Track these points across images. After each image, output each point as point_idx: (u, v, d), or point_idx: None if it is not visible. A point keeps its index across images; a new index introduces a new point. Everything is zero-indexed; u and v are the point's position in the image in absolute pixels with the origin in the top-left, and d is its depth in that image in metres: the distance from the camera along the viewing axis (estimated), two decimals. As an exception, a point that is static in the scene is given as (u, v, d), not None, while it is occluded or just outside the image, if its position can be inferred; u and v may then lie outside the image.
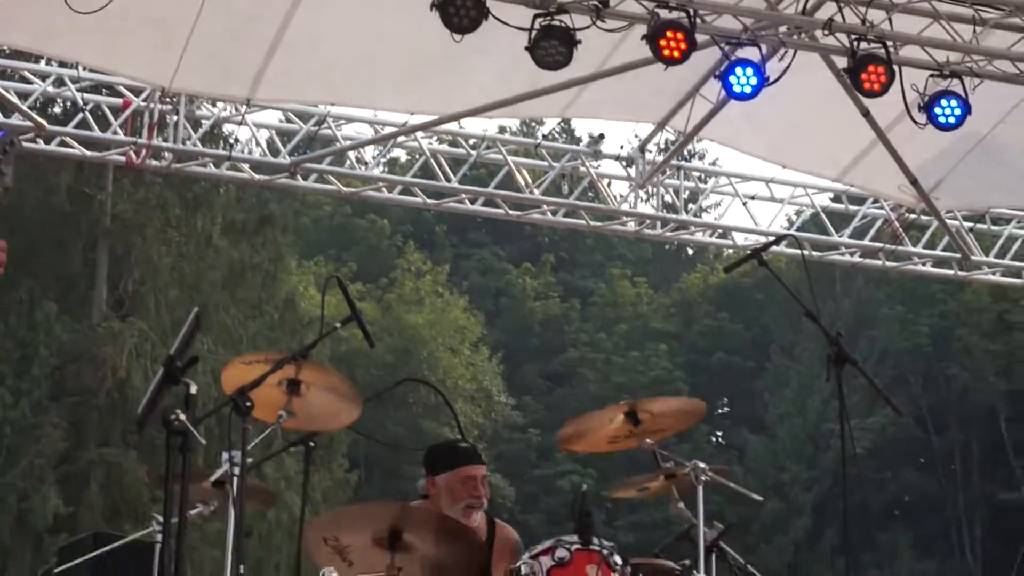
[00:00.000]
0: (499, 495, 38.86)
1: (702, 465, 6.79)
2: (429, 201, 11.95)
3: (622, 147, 12.19)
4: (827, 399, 40.04)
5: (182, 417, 5.04)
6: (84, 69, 10.76)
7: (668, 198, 12.30)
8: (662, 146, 12.33)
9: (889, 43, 8.73)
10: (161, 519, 6.22)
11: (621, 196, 12.24)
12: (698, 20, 8.66)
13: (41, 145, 11.08)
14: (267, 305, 32.09)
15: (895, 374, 45.49)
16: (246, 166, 11.48)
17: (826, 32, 8.92)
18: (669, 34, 8.65)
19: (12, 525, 27.19)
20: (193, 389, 5.17)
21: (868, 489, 42.73)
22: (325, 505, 27.88)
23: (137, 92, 10.91)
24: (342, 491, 31.82)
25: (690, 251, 54.69)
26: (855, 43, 8.74)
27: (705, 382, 50.19)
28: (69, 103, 11.17)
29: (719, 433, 51.14)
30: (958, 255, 12.54)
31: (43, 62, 11.16)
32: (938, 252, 12.68)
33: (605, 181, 12.13)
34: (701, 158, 43.97)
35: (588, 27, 8.57)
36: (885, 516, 44.61)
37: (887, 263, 12.91)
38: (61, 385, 28.92)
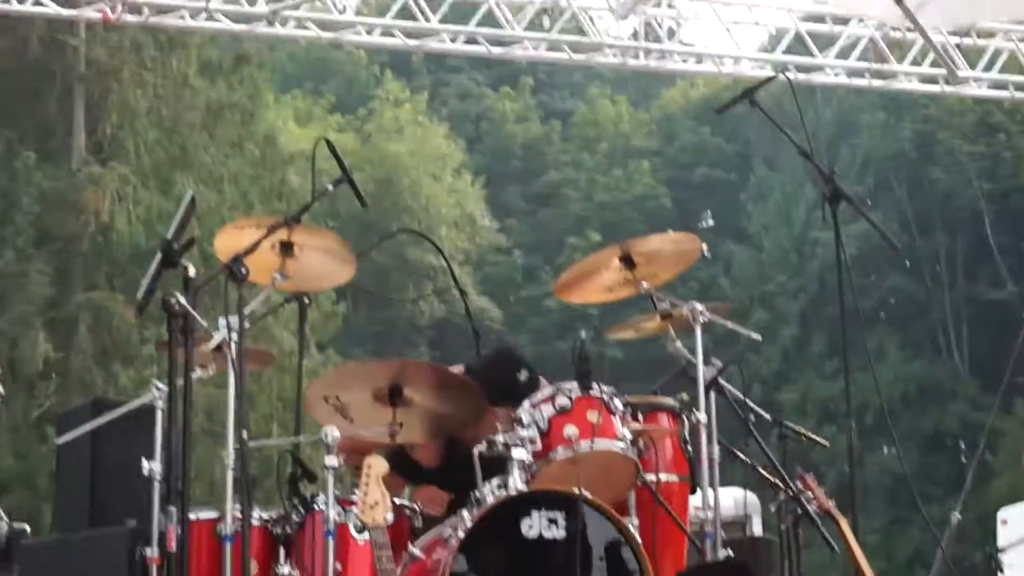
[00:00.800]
0: (487, 317, 39.19)
1: (699, 306, 6.79)
2: (410, 42, 11.87)
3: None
4: (811, 207, 40.09)
5: (182, 300, 5.02)
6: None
7: (649, 24, 12.27)
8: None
9: None
10: (160, 386, 6.22)
11: (602, 28, 12.19)
12: None
13: (14, 5, 10.94)
14: (247, 143, 32.01)
15: (878, 180, 45.61)
16: (224, 16, 11.38)
17: None
18: None
19: (4, 372, 27.27)
20: (191, 272, 5.16)
21: (855, 294, 42.87)
22: (314, 337, 28.07)
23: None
24: (331, 323, 32.00)
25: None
26: None
27: (688, 197, 50.36)
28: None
29: (704, 245, 51.13)
30: (944, 71, 12.53)
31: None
32: (924, 69, 12.67)
33: (585, 13, 12.05)
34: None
35: None
36: (872, 319, 44.87)
37: (873, 82, 12.90)
38: (45, 232, 28.94)
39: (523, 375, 6.78)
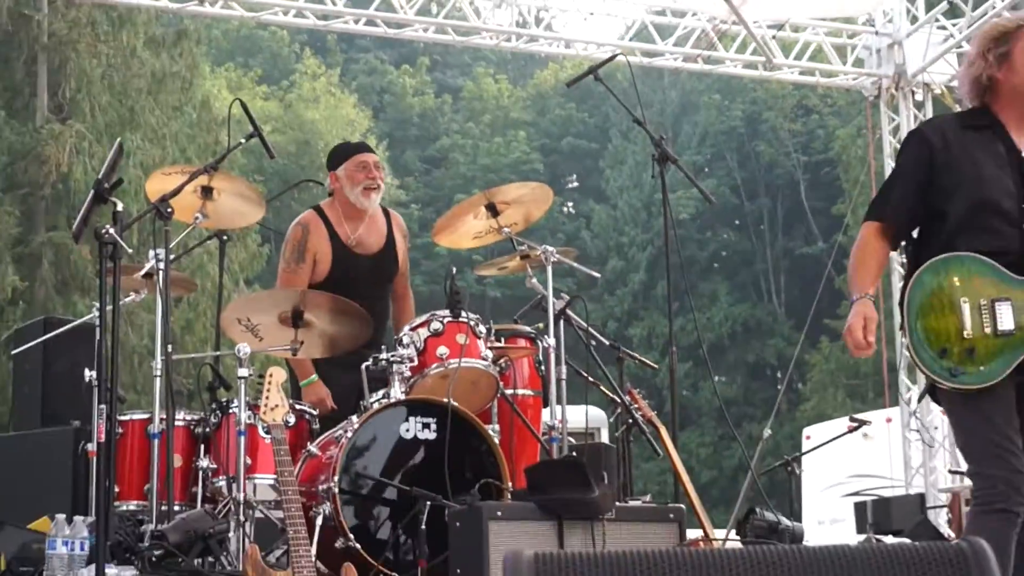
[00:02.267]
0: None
1: (550, 248, 6.83)
2: (319, 23, 11.80)
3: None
4: (656, 173, 40.28)
5: (111, 231, 5.01)
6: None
7: (522, 14, 12.28)
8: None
9: None
10: (98, 306, 6.20)
11: (482, 12, 12.16)
12: None
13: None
14: (186, 107, 31.77)
15: (714, 151, 46.00)
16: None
17: None
18: None
19: (-25, 299, 27.11)
20: (119, 207, 5.14)
21: (692, 247, 43.46)
22: (243, 274, 27.94)
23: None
24: (256, 262, 31.87)
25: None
26: None
27: (557, 162, 50.47)
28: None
29: (570, 204, 51.26)
30: (763, 58, 12.60)
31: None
32: (746, 56, 12.71)
33: (469, 1, 12.03)
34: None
35: None
36: (707, 269, 45.30)
37: (704, 65, 12.94)
38: (12, 179, 28.58)
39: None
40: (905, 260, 5.39)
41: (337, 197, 7.42)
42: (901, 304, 4.99)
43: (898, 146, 12.91)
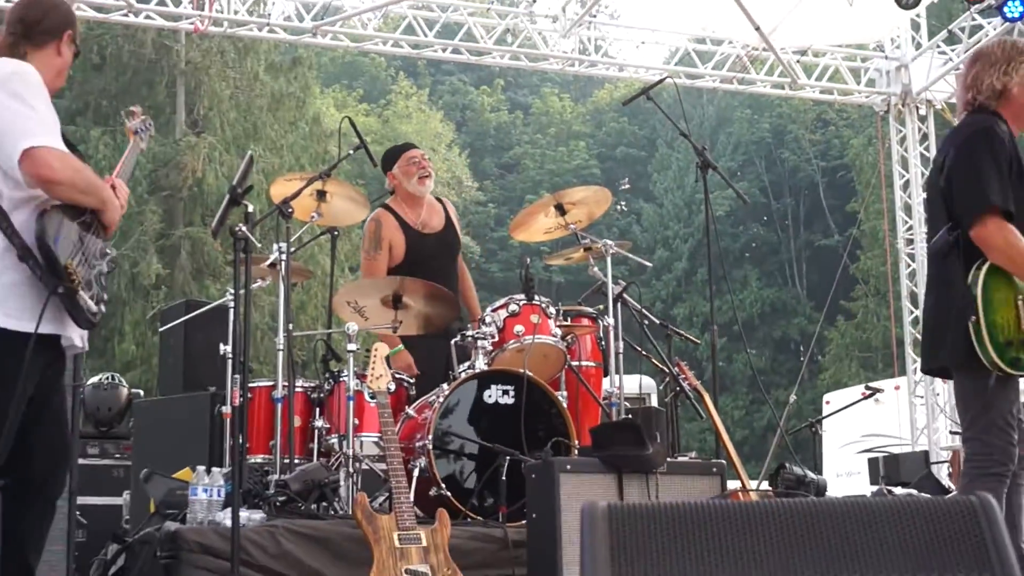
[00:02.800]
0: (468, 251, 39.35)
1: (609, 242, 6.81)
2: (411, 51, 11.79)
3: (550, 8, 12.12)
4: (699, 177, 40.25)
5: (244, 229, 5.03)
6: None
7: (582, 41, 12.25)
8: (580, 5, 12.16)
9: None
10: (231, 292, 6.26)
11: (549, 41, 12.11)
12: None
13: (131, 18, 10.89)
14: (300, 122, 31.96)
15: (745, 158, 45.69)
16: (280, 29, 11.33)
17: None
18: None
19: (127, 283, 27.42)
20: (250, 209, 5.16)
21: (727, 239, 43.26)
22: (347, 263, 28.06)
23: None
24: (359, 254, 32.04)
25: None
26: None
27: (612, 167, 50.26)
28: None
29: (623, 203, 50.95)
30: (788, 79, 12.51)
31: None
32: (774, 78, 12.60)
33: (538, 33, 12.00)
34: (609, 15, 43.34)
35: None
36: (739, 258, 45.05)
37: (738, 86, 12.84)
38: (156, 184, 28.96)
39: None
40: (928, 249, 5.28)
41: (398, 192, 7.47)
42: (972, 296, 4.87)
43: (904, 154, 12.82)
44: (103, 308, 4.23)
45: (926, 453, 11.48)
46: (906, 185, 12.80)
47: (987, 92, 5.12)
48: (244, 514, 5.15)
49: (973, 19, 12.22)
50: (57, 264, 3.94)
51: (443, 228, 7.59)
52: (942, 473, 10.47)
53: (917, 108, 12.80)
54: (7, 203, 4.00)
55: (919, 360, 12.24)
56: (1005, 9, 10.15)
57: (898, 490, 9.57)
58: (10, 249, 3.96)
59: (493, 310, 6.58)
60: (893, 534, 2.17)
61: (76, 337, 4.24)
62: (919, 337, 12.37)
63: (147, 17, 10.88)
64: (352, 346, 6.27)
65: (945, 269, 5.05)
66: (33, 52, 4.27)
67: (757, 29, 11.17)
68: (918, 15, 12.25)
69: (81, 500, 6.26)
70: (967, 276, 4.90)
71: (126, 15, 10.84)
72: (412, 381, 6.58)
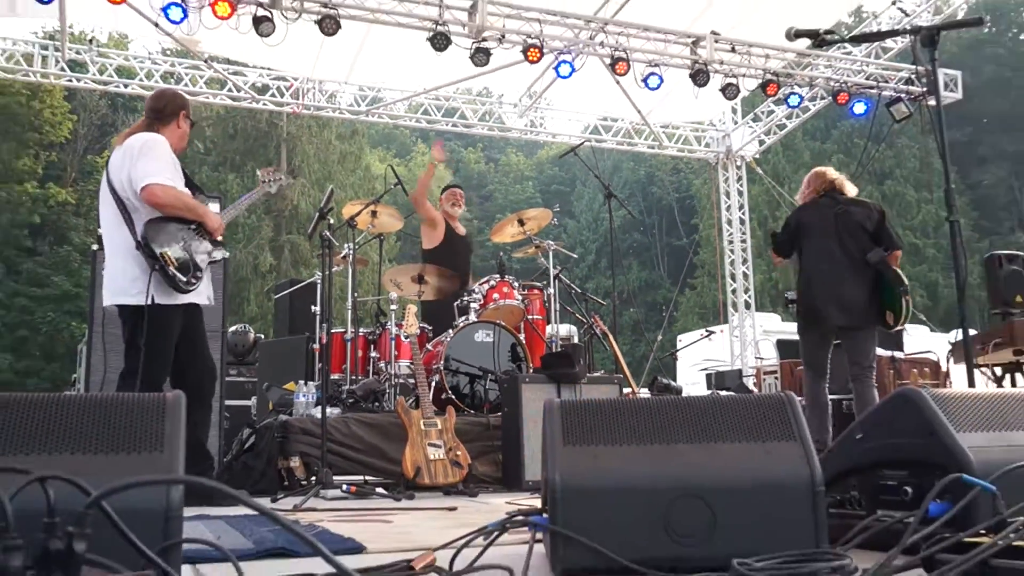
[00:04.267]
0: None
1: (550, 242, 6.81)
2: (427, 125, 11.58)
3: (511, 99, 12.02)
4: (605, 202, 40.49)
5: (327, 234, 5.00)
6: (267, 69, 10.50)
7: (532, 120, 12.15)
8: (529, 97, 12.02)
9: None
10: (318, 273, 6.22)
11: (508, 120, 12.00)
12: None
13: (254, 105, 10.75)
14: (357, 169, 31.80)
15: (630, 192, 45.64)
16: (345, 112, 11.15)
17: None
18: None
19: (251, 270, 27.28)
20: (330, 222, 5.13)
21: (618, 242, 43.20)
22: (388, 255, 27.91)
23: (296, 78, 10.58)
24: (395, 249, 31.96)
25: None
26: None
27: (549, 198, 49.71)
28: (264, 83, 10.72)
29: (555, 219, 50.00)
30: (657, 143, 12.43)
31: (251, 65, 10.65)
32: (648, 141, 12.50)
33: (504, 114, 11.93)
34: (547, 103, 43.32)
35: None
36: (627, 253, 44.98)
37: (627, 148, 12.73)
38: (269, 207, 28.77)
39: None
40: (869, 257, 5.33)
41: (442, 208, 7.41)
42: (902, 287, 5.22)
43: (727, 189, 12.80)
44: (199, 277, 4.24)
45: (740, 371, 11.55)
46: (728, 208, 12.82)
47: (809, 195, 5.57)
48: (329, 411, 5.14)
49: (769, 108, 12.26)
50: (154, 252, 4.07)
51: (465, 235, 7.54)
52: (749, 383, 10.51)
53: (734, 161, 12.80)
54: (135, 216, 4.16)
55: (736, 314, 12.35)
56: (855, 108, 9.59)
57: (723, 393, 9.62)
58: (132, 243, 4.12)
59: (479, 284, 6.54)
60: (710, 418, 2.14)
61: (203, 298, 4.32)
62: (736, 301, 12.48)
63: (264, 104, 10.76)
64: (394, 306, 6.27)
65: (875, 270, 5.19)
66: (161, 127, 4.39)
67: (639, 112, 11.13)
68: (735, 104, 12.25)
69: (227, 403, 6.23)
70: (891, 274, 5.14)
71: (251, 103, 10.71)
72: (431, 328, 6.55)
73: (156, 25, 8.06)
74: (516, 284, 6.59)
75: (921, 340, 10.69)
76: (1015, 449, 2.09)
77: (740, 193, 12.81)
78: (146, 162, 4.13)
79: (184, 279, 4.13)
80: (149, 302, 3.99)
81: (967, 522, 1.83)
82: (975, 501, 1.87)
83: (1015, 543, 1.63)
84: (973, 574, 1.64)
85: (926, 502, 1.91)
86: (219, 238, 4.40)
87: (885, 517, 2.12)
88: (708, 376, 11.64)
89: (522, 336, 6.39)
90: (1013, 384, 6.37)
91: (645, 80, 8.88)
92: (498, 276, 6.55)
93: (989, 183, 36.43)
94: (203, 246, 4.29)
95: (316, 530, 2.95)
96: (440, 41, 7.80)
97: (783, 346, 9.35)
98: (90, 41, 11.42)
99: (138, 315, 4.04)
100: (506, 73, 9.44)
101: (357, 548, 2.48)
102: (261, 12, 7.39)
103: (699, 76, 8.63)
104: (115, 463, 1.62)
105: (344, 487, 4.62)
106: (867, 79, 9.83)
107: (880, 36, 3.51)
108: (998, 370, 6.51)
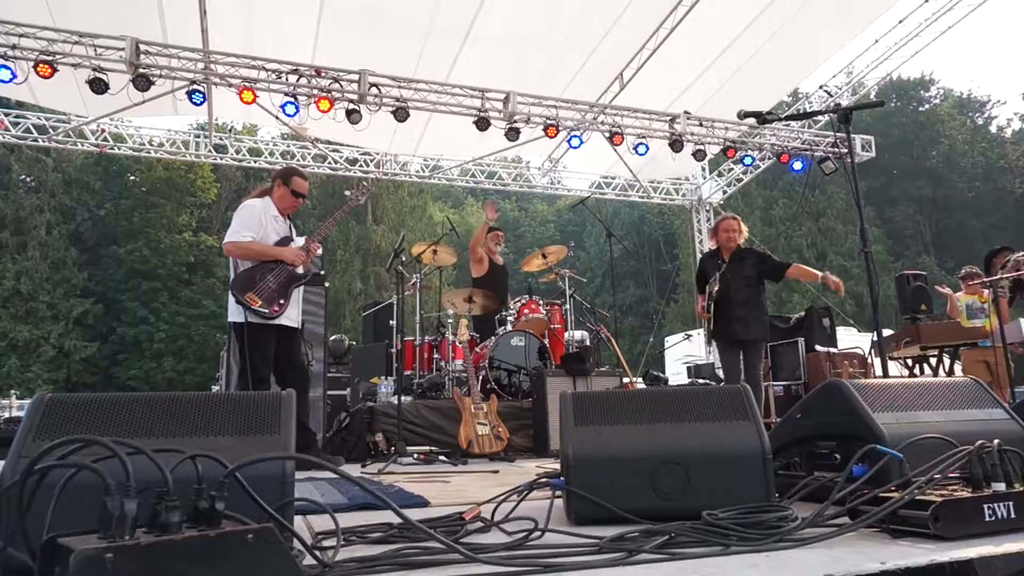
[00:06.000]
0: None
1: (566, 270, 6.78)
2: (475, 184, 11.69)
3: (537, 163, 12.03)
4: (607, 240, 40.23)
5: (401, 268, 5.02)
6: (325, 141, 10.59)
7: (552, 179, 12.13)
8: (550, 162, 11.97)
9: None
10: (395, 296, 6.22)
11: (535, 179, 11.97)
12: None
13: (347, 173, 10.84)
14: (422, 219, 32.04)
15: (627, 231, 45.27)
16: (414, 175, 11.23)
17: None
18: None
19: (345, 294, 27.32)
20: (404, 258, 5.14)
21: (618, 268, 42.66)
22: (445, 281, 27.92)
23: (377, 153, 10.68)
24: (450, 276, 31.99)
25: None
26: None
27: (564, 237, 49.57)
28: (354, 157, 10.83)
29: (571, 253, 50.05)
30: (646, 193, 12.34)
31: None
32: (638, 193, 12.43)
33: (531, 175, 11.91)
34: (563, 166, 43.27)
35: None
36: (625, 277, 44.56)
37: (623, 198, 12.63)
38: (359, 248, 28.97)
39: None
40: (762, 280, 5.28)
41: (487, 245, 7.24)
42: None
43: (699, 227, 12.66)
44: (283, 304, 4.14)
45: (712, 363, 11.39)
46: (701, 242, 12.68)
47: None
48: (403, 398, 5.15)
49: (729, 166, 12.14)
50: (239, 298, 4.07)
51: (503, 265, 7.29)
52: (720, 373, 10.32)
53: (704, 207, 12.68)
54: (236, 262, 4.20)
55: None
56: (794, 165, 9.32)
57: (700, 381, 9.48)
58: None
59: (514, 303, 6.50)
60: (685, 404, 2.12)
61: (290, 320, 4.26)
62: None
63: (354, 172, 10.83)
64: (451, 320, 6.26)
65: (762, 294, 5.12)
66: (272, 193, 4.40)
67: (631, 171, 11.04)
68: (704, 164, 12.14)
69: (329, 393, 6.26)
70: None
71: (345, 172, 10.80)
72: (478, 335, 6.53)
73: (277, 118, 8.22)
74: (541, 302, 6.55)
75: (851, 339, 10.48)
76: (917, 425, 2.06)
77: (707, 231, 12.72)
78: (233, 224, 4.22)
79: (267, 311, 4.13)
80: (244, 320, 4.04)
81: (881, 481, 1.81)
82: (887, 465, 1.85)
83: (917, 497, 1.61)
84: (886, 520, 1.63)
85: (850, 466, 1.89)
86: (308, 260, 4.30)
87: (820, 477, 2.10)
88: (688, 368, 11.49)
89: (546, 341, 6.35)
90: (921, 372, 6.23)
91: (635, 148, 8.90)
92: (527, 296, 6.53)
93: (899, 218, 36.12)
94: (286, 274, 4.24)
95: (394, 489, 2.96)
96: (483, 123, 7.88)
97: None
98: (229, 130, 11.71)
99: (240, 331, 4.10)
100: (532, 145, 9.51)
101: (423, 503, 2.49)
102: (351, 106, 7.53)
103: (676, 144, 8.65)
104: (246, 443, 1.66)
105: (415, 455, 4.63)
106: (802, 144, 9.76)
107: (807, 116, 3.48)
108: (909, 362, 6.38)
